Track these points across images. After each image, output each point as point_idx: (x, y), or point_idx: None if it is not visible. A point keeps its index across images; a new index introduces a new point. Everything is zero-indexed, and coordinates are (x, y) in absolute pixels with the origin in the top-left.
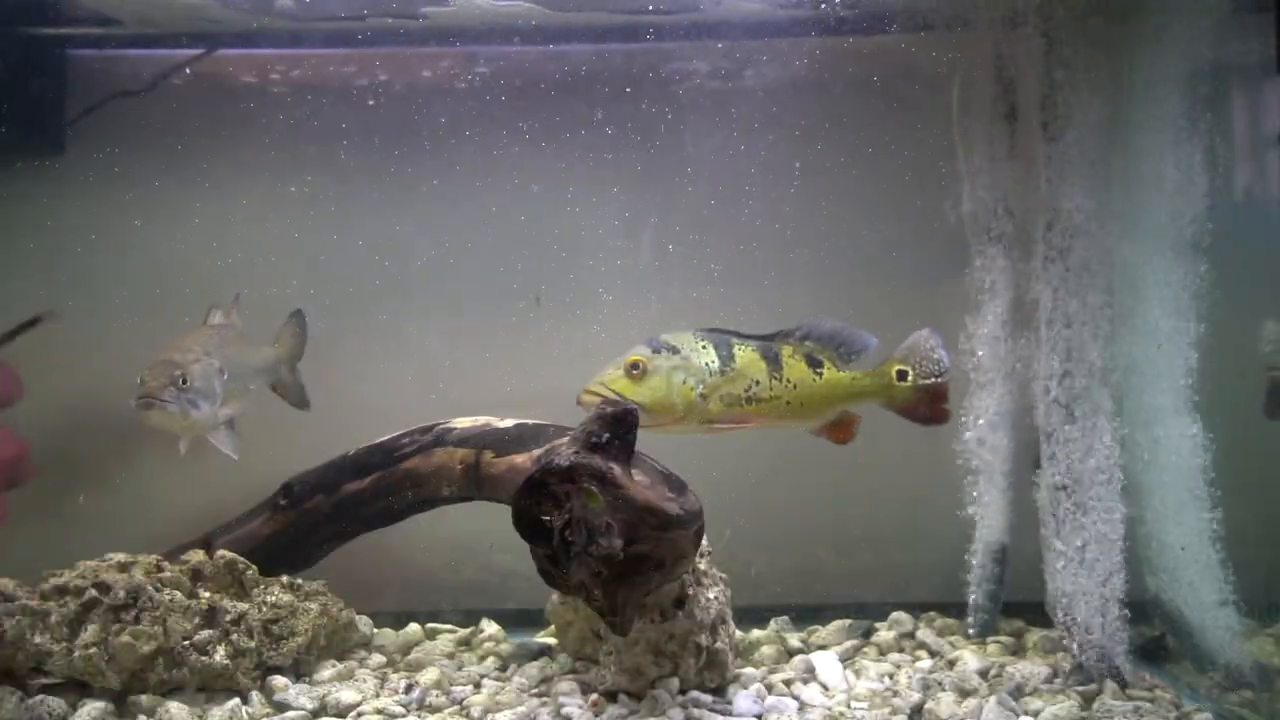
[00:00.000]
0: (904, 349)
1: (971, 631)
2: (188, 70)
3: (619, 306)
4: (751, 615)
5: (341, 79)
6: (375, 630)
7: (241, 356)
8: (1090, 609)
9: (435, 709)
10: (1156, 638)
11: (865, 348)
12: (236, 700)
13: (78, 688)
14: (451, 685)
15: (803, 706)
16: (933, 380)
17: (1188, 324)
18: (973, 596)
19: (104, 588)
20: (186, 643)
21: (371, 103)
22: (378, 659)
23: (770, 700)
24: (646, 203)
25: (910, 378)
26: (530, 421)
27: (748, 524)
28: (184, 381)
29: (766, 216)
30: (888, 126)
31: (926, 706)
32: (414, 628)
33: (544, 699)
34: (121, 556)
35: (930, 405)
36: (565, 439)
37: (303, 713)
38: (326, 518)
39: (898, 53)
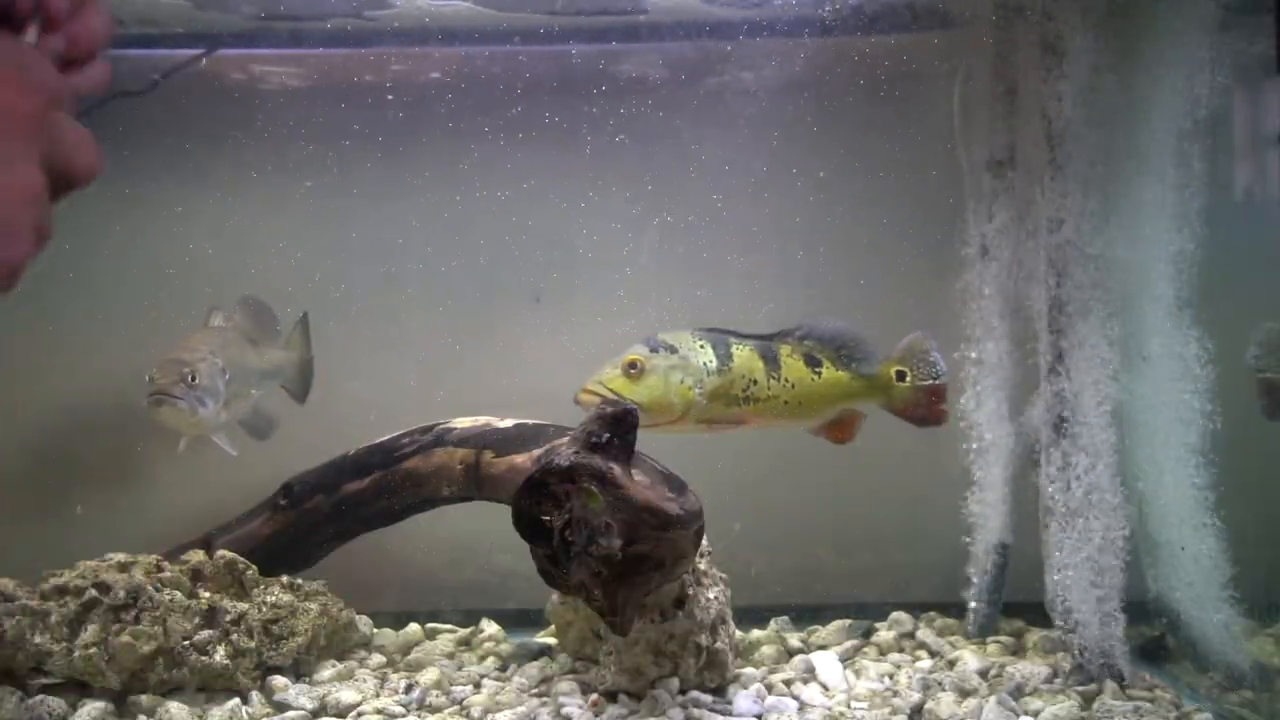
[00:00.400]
0: (900, 350)
1: (971, 631)
2: (202, 62)
3: (618, 305)
4: (751, 615)
5: (341, 79)
6: (375, 630)
7: (243, 359)
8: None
9: (435, 709)
10: (1156, 638)
11: (868, 357)
12: (236, 700)
13: (78, 688)
14: (451, 685)
15: (803, 706)
16: (931, 381)
17: (1184, 329)
18: (973, 596)
19: (104, 588)
20: (186, 643)
21: (369, 102)
22: (378, 659)
23: (770, 700)
24: (644, 202)
25: (908, 378)
26: (530, 421)
27: (748, 524)
28: (193, 379)
29: (761, 216)
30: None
31: (926, 706)
32: (414, 628)
33: (544, 699)
34: (121, 556)
35: (928, 406)
36: (565, 439)
37: (303, 713)
38: (326, 518)
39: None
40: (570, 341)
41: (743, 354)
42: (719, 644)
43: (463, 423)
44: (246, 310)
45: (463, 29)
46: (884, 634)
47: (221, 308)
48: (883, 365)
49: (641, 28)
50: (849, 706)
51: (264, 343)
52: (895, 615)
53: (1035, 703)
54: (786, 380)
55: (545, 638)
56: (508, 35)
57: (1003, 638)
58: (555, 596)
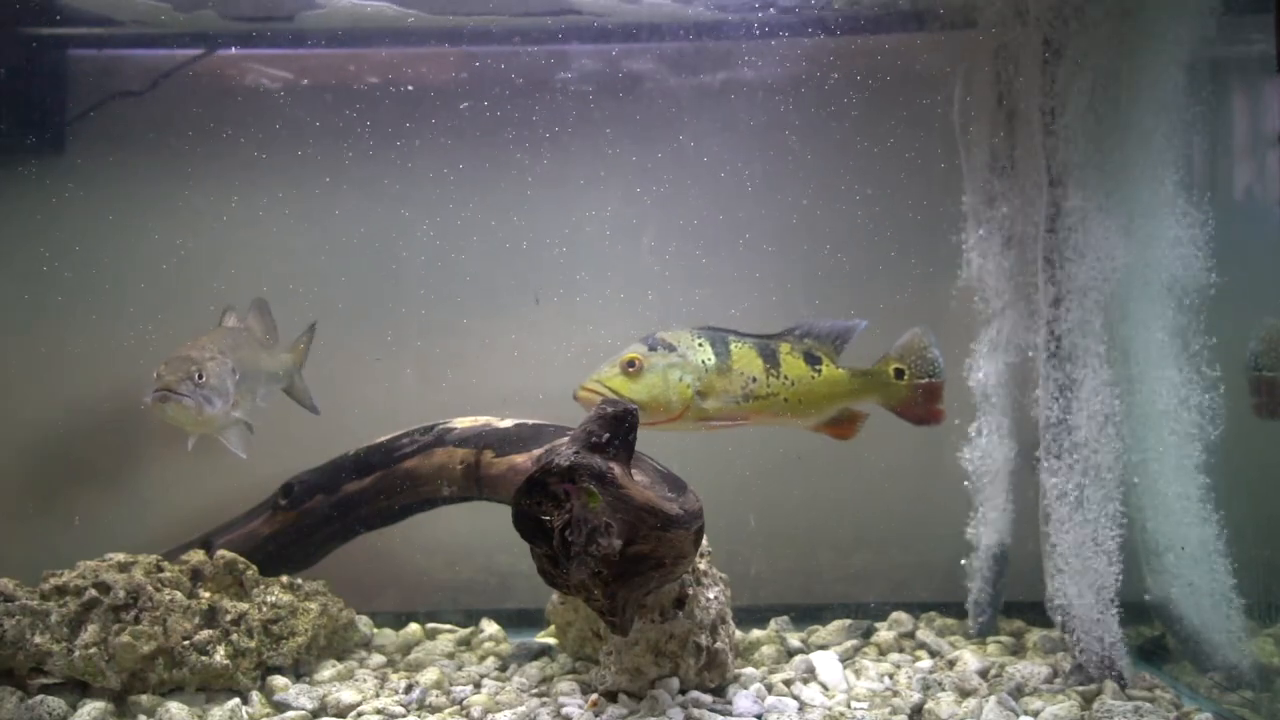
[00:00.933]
0: (899, 347)
1: (971, 631)
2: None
3: (618, 305)
4: (751, 615)
5: (341, 79)
6: (375, 630)
7: (254, 360)
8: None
9: (435, 709)
10: (1156, 638)
11: (854, 328)
12: (236, 700)
13: (78, 688)
14: (451, 685)
15: (803, 706)
16: (928, 379)
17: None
18: (972, 596)
19: (104, 588)
20: (186, 643)
21: (370, 103)
22: (378, 659)
23: (770, 700)
24: (642, 203)
25: (907, 376)
26: (530, 421)
27: (748, 524)
28: (200, 377)
29: (759, 215)
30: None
31: (926, 706)
32: (414, 628)
33: (544, 699)
34: (121, 556)
35: (925, 405)
36: (565, 439)
37: (303, 713)
38: (326, 518)
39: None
40: (570, 341)
41: (742, 352)
42: (719, 644)
43: (463, 423)
44: (259, 313)
45: (458, 31)
46: (884, 634)
47: (236, 309)
48: (882, 362)
49: (642, 28)
50: (849, 706)
51: (272, 345)
52: (895, 615)
53: (1035, 703)
54: (786, 378)
55: (545, 638)
56: (506, 36)
57: (1003, 638)
58: (555, 596)
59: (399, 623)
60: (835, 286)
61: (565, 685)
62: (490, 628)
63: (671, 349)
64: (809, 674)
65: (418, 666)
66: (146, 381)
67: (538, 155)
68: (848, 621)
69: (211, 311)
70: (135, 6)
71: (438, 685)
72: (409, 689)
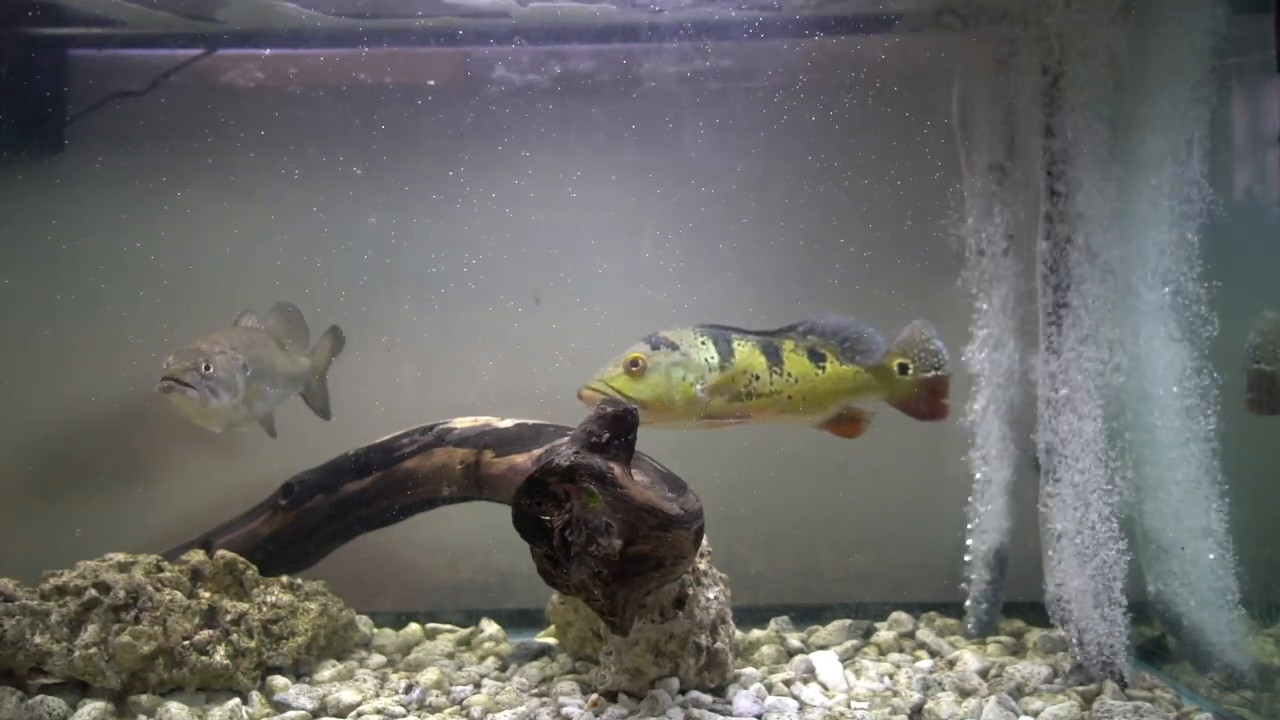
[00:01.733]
0: (901, 342)
1: (971, 631)
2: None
3: (618, 305)
4: (751, 615)
5: (342, 80)
6: (375, 630)
7: (269, 361)
8: None
9: (435, 709)
10: (1156, 638)
11: (873, 350)
12: (236, 700)
13: (78, 688)
14: (451, 685)
15: (803, 706)
16: (933, 374)
17: (1183, 322)
18: (972, 596)
19: (104, 588)
20: (186, 643)
21: (369, 103)
22: (378, 659)
23: (770, 700)
24: (641, 203)
25: (911, 371)
26: (530, 421)
27: (748, 524)
28: (208, 369)
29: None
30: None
31: (926, 706)
32: (414, 628)
33: (544, 699)
34: (121, 556)
35: (930, 400)
36: (565, 439)
37: (303, 713)
38: (326, 518)
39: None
40: (570, 340)
41: (745, 350)
42: (719, 644)
43: (463, 423)
44: (280, 316)
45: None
46: (884, 634)
47: (253, 310)
48: (886, 358)
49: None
50: (849, 706)
51: (294, 349)
52: (895, 615)
53: (1035, 703)
54: (790, 375)
55: (545, 638)
56: (507, 34)
57: (1003, 638)
58: (555, 596)
59: (399, 623)
60: (835, 285)
61: (565, 685)
62: (490, 628)
63: (675, 348)
64: (809, 674)
65: (418, 666)
66: (157, 373)
67: (539, 154)
68: (848, 621)
69: (210, 311)
70: (124, 7)
71: (438, 685)
72: (409, 689)
